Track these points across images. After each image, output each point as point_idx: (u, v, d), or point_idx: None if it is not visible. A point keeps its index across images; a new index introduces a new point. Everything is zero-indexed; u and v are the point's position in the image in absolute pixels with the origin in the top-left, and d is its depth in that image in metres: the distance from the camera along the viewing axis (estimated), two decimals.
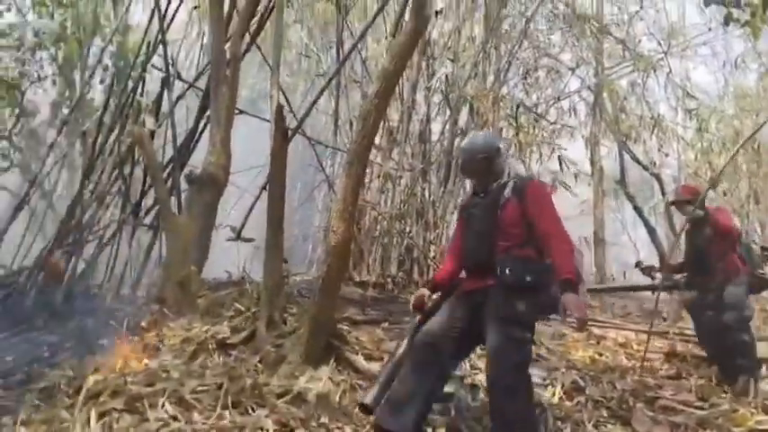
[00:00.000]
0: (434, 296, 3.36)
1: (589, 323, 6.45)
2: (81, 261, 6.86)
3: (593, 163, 12.66)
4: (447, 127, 9.15)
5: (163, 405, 3.22)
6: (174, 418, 3.10)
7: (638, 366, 4.99)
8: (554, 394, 4.08)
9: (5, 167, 11.10)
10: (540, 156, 10.45)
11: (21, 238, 7.53)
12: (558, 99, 11.62)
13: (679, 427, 3.64)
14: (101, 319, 5.20)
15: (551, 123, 10.83)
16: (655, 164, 13.10)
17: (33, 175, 8.58)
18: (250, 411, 3.27)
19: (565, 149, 10.43)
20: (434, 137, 9.27)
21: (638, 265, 5.59)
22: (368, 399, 3.08)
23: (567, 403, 3.98)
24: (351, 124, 9.46)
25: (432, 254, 7.91)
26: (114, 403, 3.20)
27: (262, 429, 3.05)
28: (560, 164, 10.34)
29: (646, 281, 5.98)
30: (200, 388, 3.44)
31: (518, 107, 9.98)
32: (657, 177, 13.19)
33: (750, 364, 4.68)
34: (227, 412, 3.20)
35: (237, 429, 3.01)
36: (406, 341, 3.25)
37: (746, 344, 4.73)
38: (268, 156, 4.70)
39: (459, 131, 9.00)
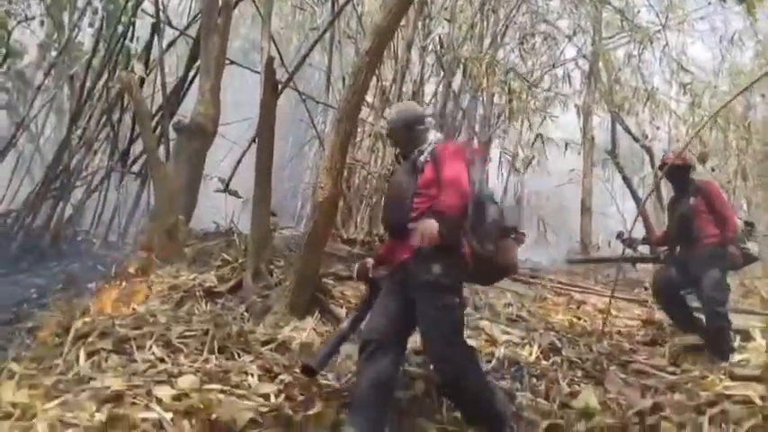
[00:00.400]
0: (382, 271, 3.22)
1: (567, 288, 6.59)
2: (69, 206, 6.85)
3: (584, 132, 12.67)
4: (440, 89, 9.09)
5: (150, 348, 3.30)
6: (162, 360, 3.17)
7: (601, 330, 5.05)
8: (531, 353, 4.19)
9: None
10: (531, 124, 10.48)
11: (7, 182, 7.49)
12: (554, 66, 11.57)
13: (650, 390, 3.76)
14: (88, 264, 5.24)
15: (545, 91, 10.79)
16: (646, 136, 13.15)
17: (21, 117, 8.47)
18: (236, 357, 3.35)
19: (556, 117, 10.43)
20: (427, 98, 9.22)
21: (619, 236, 5.48)
22: (312, 362, 3.08)
23: (544, 362, 4.10)
24: (344, 81, 9.38)
25: None
26: (102, 344, 3.27)
27: (246, 374, 3.13)
28: (539, 140, 10.34)
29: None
30: (186, 333, 3.50)
31: (508, 72, 9.92)
32: (648, 150, 13.25)
33: (726, 348, 4.51)
34: (213, 357, 3.28)
35: (223, 373, 3.09)
36: (352, 315, 3.27)
37: (722, 330, 4.57)
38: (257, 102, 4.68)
39: (452, 93, 8.96)
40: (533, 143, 10.47)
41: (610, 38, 12.61)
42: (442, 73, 9.14)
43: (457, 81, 9.37)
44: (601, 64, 12.26)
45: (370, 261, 3.30)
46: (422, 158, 3.06)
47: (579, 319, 5.47)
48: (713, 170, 12.93)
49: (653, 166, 13.15)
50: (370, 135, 8.40)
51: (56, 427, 2.58)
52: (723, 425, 3.05)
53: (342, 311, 4.30)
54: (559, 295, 6.45)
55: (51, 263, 5.86)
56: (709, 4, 11.87)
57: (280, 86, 5.09)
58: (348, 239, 7.17)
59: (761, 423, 2.98)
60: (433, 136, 3.20)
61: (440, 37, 9.18)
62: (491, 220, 2.89)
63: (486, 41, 9.74)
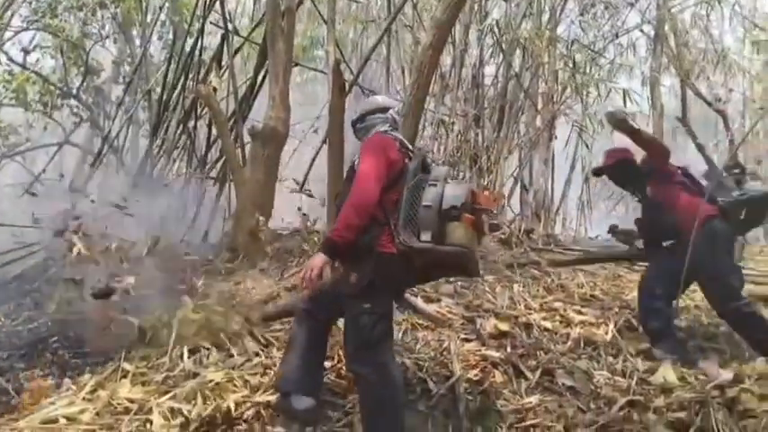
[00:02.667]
0: None
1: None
2: None
3: (653, 100, 12.25)
4: (500, 71, 9.06)
5: (245, 343, 3.59)
6: (257, 354, 3.45)
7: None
8: (607, 332, 4.24)
9: (77, 123, 11.72)
10: (599, 95, 10.24)
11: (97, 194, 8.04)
12: (617, 35, 11.23)
13: (730, 362, 3.74)
14: (177, 267, 5.61)
15: (608, 63, 10.52)
16: (719, 99, 12.61)
17: (104, 132, 9.06)
18: None
19: (621, 88, 10.15)
20: (487, 81, 9.21)
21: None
22: None
23: (621, 340, 4.14)
24: (402, 71, 9.51)
25: None
26: (202, 341, 3.58)
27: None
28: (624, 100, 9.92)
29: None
30: (276, 328, 3.78)
31: (572, 44, 9.75)
32: (722, 114, 12.72)
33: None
34: None
35: None
36: None
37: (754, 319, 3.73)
38: (320, 103, 4.89)
39: (512, 75, 8.92)
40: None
41: None
42: (501, 55, 9.08)
43: (517, 61, 9.30)
44: (667, 27, 11.82)
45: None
46: (356, 158, 2.87)
47: None
48: None
49: (728, 129, 12.65)
50: (432, 123, 8.49)
51: (169, 419, 2.90)
52: None
53: (418, 300, 4.48)
54: (633, 272, 6.38)
55: (142, 267, 6.29)
56: None
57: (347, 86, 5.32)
58: None
59: None
60: (378, 127, 2.99)
61: (496, 21, 9.10)
62: (424, 206, 2.62)
63: (545, 16, 9.59)
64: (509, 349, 3.79)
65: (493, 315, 4.38)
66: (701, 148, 12.86)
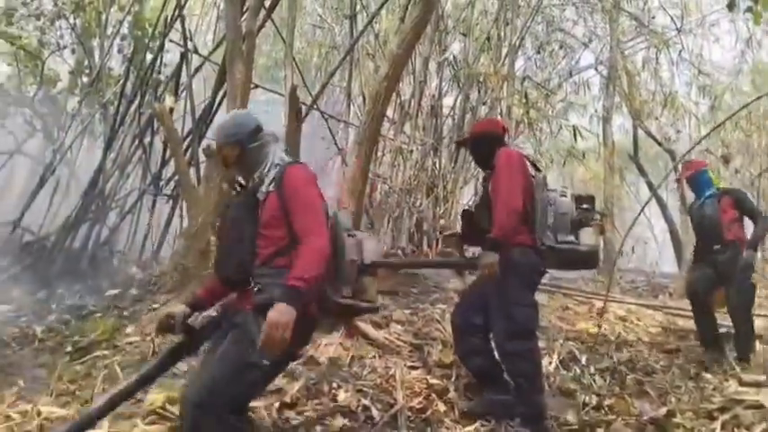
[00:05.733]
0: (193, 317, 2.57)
1: (589, 296, 6.67)
2: (105, 228, 7.18)
3: (605, 138, 12.70)
4: (458, 102, 9.27)
5: None
6: None
7: (596, 334, 5.06)
8: (551, 363, 4.33)
9: (30, 134, 11.43)
10: (551, 131, 10.57)
11: (47, 206, 7.84)
12: (571, 74, 11.66)
13: (665, 396, 3.88)
14: (126, 284, 5.51)
15: (560, 101, 10.90)
16: (669, 139, 13.15)
17: (57, 143, 8.86)
18: None
19: (572, 125, 10.52)
20: (445, 111, 9.40)
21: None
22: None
23: (564, 372, 4.23)
24: (363, 98, 9.62)
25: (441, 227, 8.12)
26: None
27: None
28: (575, 135, 10.27)
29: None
30: None
31: (524, 81, 10.06)
32: (671, 153, 13.24)
33: None
34: None
35: None
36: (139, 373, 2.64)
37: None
38: (280, 128, 4.92)
39: (470, 107, 9.14)
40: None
41: (626, 42, 12.66)
42: (458, 87, 9.30)
43: (475, 93, 9.53)
44: (619, 69, 12.32)
45: (180, 310, 2.54)
46: (264, 187, 2.46)
47: (600, 327, 5.57)
48: (737, 171, 12.89)
49: (675, 169, 13.16)
50: (390, 150, 8.59)
51: None
52: (735, 430, 3.17)
53: (367, 326, 4.48)
54: (581, 303, 6.55)
55: (90, 284, 6.15)
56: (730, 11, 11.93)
57: (303, 110, 5.34)
58: None
59: None
60: (276, 155, 2.53)
61: (453, 57, 9.34)
62: (349, 260, 2.48)
63: (503, 52, 9.89)
64: (453, 378, 3.83)
65: (440, 343, 4.42)
66: (650, 185, 13.35)
